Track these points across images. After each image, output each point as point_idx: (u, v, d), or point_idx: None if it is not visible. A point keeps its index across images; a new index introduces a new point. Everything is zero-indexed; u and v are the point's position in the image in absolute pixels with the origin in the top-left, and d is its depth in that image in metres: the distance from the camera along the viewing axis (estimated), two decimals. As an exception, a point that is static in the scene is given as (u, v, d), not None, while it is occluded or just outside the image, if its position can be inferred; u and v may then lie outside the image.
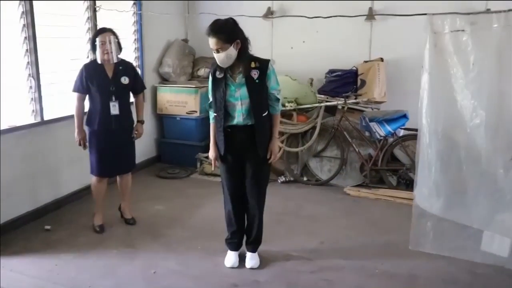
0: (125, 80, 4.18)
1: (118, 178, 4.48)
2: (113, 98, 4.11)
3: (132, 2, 5.98)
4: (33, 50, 4.47)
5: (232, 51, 3.20)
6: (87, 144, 4.19)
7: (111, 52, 4.02)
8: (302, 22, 6.35)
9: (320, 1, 6.25)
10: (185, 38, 7.11)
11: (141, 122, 4.45)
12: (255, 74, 3.31)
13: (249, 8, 6.36)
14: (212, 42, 3.18)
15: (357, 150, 5.68)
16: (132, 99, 4.45)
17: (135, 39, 6.14)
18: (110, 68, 4.13)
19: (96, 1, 5.28)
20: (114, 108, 4.11)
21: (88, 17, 5.22)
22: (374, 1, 6.07)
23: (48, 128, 4.60)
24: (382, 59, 6.04)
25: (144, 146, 6.35)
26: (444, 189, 3.10)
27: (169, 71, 6.53)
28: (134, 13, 6.04)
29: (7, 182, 4.25)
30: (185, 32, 7.19)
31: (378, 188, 5.56)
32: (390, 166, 5.63)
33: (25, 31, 4.42)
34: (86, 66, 4.13)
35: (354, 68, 6.10)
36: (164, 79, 6.71)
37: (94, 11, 5.24)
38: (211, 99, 3.49)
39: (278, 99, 3.48)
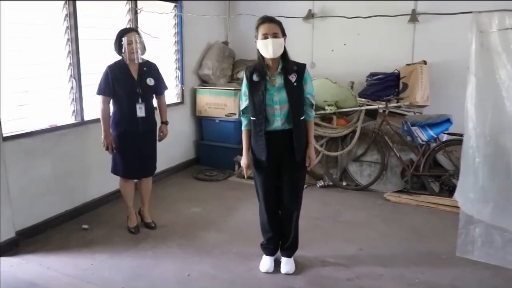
0: (150, 81, 4.17)
1: (139, 181, 4.44)
2: (140, 100, 4.09)
3: (173, 4, 6.01)
4: (75, 52, 4.56)
5: (283, 43, 3.20)
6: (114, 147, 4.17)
7: (137, 52, 4.00)
8: (343, 24, 6.32)
9: (361, 3, 6.15)
10: (225, 40, 7.11)
11: (165, 123, 4.42)
12: (293, 77, 3.25)
13: (289, 9, 6.33)
14: (269, 27, 3.15)
15: (398, 155, 5.53)
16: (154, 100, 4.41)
17: (175, 41, 6.18)
18: (134, 69, 4.11)
19: (138, 3, 5.34)
20: (141, 111, 4.09)
21: (130, 19, 5.28)
22: (418, 1, 5.89)
23: (88, 128, 4.66)
24: (425, 62, 5.87)
25: (183, 148, 6.43)
26: (492, 195, 2.91)
27: (208, 73, 6.52)
28: (175, 15, 6.07)
29: (48, 181, 4.34)
30: (225, 34, 7.19)
31: (420, 194, 5.39)
32: (433, 172, 5.44)
33: (68, 33, 4.51)
34: (111, 68, 4.05)
35: (396, 71, 5.96)
36: (204, 81, 6.72)
37: (136, 13, 5.30)
38: (245, 104, 3.38)
39: (312, 105, 3.42)
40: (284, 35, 3.23)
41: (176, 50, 6.20)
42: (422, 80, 5.71)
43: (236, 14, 6.93)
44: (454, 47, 5.74)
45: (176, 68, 6.25)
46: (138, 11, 5.31)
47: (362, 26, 6.21)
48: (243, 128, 3.47)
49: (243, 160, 3.49)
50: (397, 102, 5.69)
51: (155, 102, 4.39)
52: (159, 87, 4.32)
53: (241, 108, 3.43)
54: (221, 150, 6.39)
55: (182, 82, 6.33)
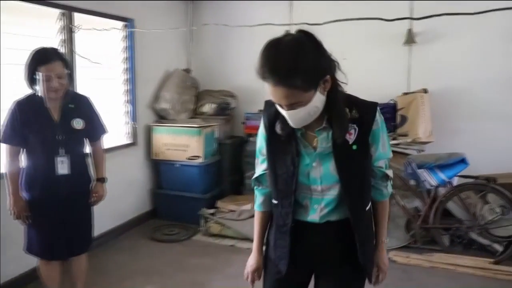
0: (78, 123, 3.07)
1: (68, 262, 3.32)
2: (61, 151, 2.99)
3: (122, 23, 4.99)
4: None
5: (319, 100, 1.68)
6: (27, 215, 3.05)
7: (61, 89, 2.94)
8: (326, 48, 5.44)
9: (348, 24, 5.31)
10: (186, 68, 6.23)
11: (101, 180, 3.34)
12: (350, 133, 1.79)
13: (262, 34, 5.40)
14: (280, 94, 1.63)
15: (401, 203, 4.64)
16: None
17: (125, 69, 5.17)
18: (55, 106, 3.01)
19: (75, 19, 4.29)
20: (63, 166, 2.99)
21: (63, 40, 4.19)
22: (414, 20, 5.10)
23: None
24: (425, 91, 5.14)
25: (135, 199, 5.44)
26: None
27: (167, 107, 5.63)
28: (124, 36, 5.07)
29: None
30: (186, 61, 6.32)
31: (431, 251, 4.52)
32: (445, 224, 4.61)
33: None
34: (21, 105, 2.96)
35: (392, 102, 5.25)
36: (161, 117, 5.81)
37: (71, 31, 4.21)
38: (261, 168, 1.99)
39: (387, 177, 1.93)
40: (320, 79, 1.65)
41: (126, 80, 5.19)
42: (424, 112, 5.02)
43: (201, 25, 6.04)
44: (456, 73, 5.17)
45: (126, 101, 5.24)
46: (75, 29, 4.21)
47: (350, 49, 5.36)
48: (256, 207, 2.09)
49: (252, 260, 2.10)
50: (394, 139, 4.92)
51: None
52: (93, 131, 3.23)
53: (255, 175, 2.03)
54: (183, 200, 5.43)
55: (134, 119, 5.33)
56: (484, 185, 4.41)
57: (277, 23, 5.59)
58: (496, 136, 4.99)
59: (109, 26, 4.69)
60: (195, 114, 5.99)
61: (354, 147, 1.77)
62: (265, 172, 1.95)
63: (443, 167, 4.46)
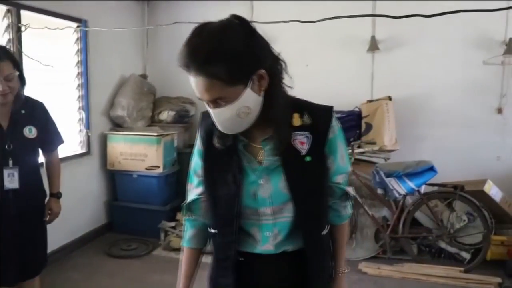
0: (30, 132, 2.75)
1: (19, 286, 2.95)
2: (10, 162, 2.66)
3: (75, 24, 4.65)
4: None
5: (251, 100, 1.40)
6: None
7: (10, 93, 2.60)
8: (287, 54, 5.27)
9: (309, 29, 5.21)
10: (143, 73, 5.93)
11: (56, 195, 3.02)
12: (302, 142, 1.51)
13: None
14: (200, 86, 1.36)
15: (370, 213, 4.52)
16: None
17: (78, 73, 4.82)
18: (5, 112, 2.68)
19: (22, 17, 3.93)
20: (12, 180, 2.65)
21: (9, 39, 3.82)
22: (376, 27, 5.15)
23: None
24: (390, 98, 5.09)
25: (90, 213, 5.09)
26: None
27: (123, 114, 5.30)
28: (78, 39, 4.74)
29: None
30: (142, 66, 6.02)
31: (402, 261, 4.40)
32: (414, 233, 4.50)
33: None
34: None
35: (357, 109, 5.14)
36: (117, 125, 5.47)
37: (18, 31, 3.86)
38: (195, 192, 1.67)
39: (347, 196, 1.67)
40: (250, 73, 1.37)
41: (79, 85, 4.84)
42: (389, 120, 4.94)
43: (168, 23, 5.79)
44: (419, 80, 5.15)
45: (79, 108, 4.88)
46: (23, 28, 3.86)
47: (312, 56, 5.34)
48: (184, 242, 1.76)
49: None
50: (359, 147, 4.83)
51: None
52: (48, 140, 2.91)
53: (187, 201, 1.69)
54: (141, 213, 5.13)
55: (87, 126, 4.97)
56: (452, 193, 4.36)
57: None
58: (459, 142, 4.99)
59: (61, 26, 4.36)
60: (153, 122, 5.71)
61: (308, 158, 1.50)
62: (199, 197, 1.64)
63: (411, 175, 4.36)
